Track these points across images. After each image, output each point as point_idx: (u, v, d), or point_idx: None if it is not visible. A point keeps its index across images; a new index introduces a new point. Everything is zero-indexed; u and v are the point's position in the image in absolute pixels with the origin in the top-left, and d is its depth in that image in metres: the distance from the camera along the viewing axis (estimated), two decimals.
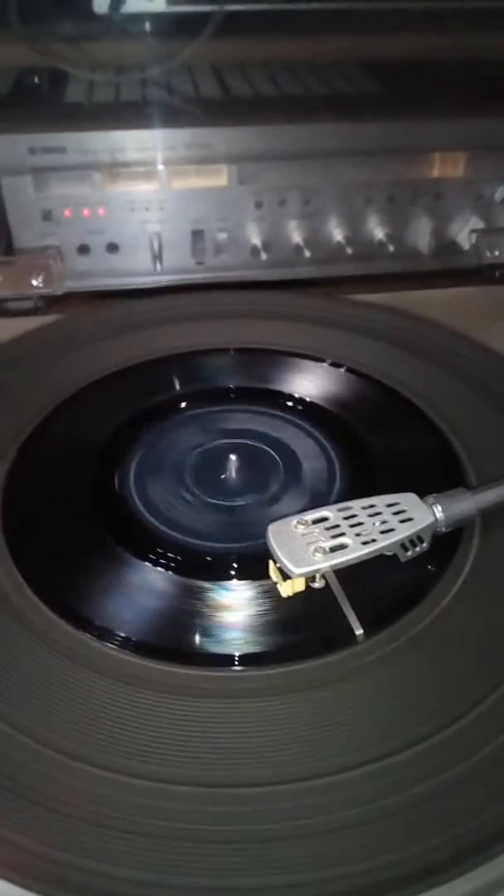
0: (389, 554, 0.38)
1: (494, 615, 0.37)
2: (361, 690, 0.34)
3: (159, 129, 0.62)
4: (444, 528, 0.39)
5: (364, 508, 0.38)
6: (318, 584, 0.37)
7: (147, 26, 0.70)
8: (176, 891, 0.27)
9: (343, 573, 0.37)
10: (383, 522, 0.38)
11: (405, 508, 0.38)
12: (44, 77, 0.70)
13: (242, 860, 0.28)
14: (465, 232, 0.68)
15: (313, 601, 0.37)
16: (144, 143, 0.62)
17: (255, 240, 0.66)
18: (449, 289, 0.66)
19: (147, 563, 0.40)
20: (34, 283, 0.62)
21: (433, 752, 0.31)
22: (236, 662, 0.35)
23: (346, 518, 0.38)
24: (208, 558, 0.40)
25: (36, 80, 0.70)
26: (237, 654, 0.36)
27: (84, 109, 0.67)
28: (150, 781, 0.30)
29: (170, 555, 0.40)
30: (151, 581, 0.39)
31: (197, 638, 0.36)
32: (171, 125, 0.63)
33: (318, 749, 0.31)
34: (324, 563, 0.36)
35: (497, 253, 0.67)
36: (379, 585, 0.38)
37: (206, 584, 0.39)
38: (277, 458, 0.47)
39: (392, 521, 0.38)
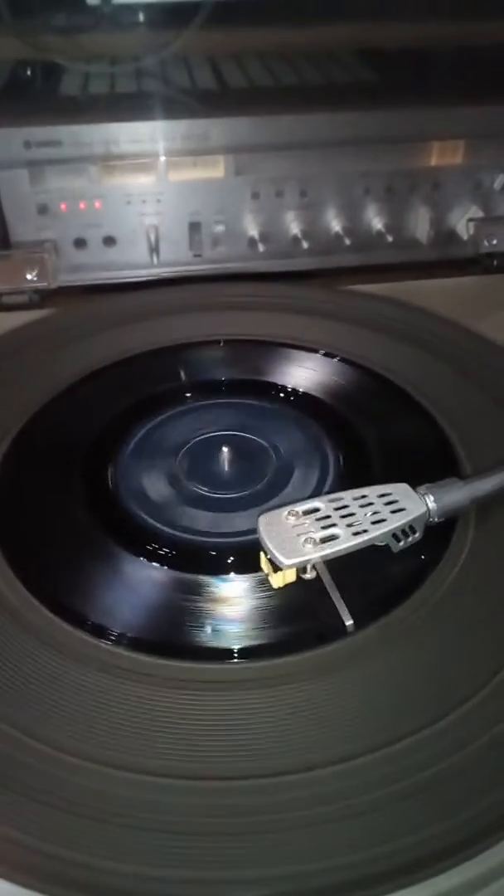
0: (381, 544, 0.37)
1: (489, 606, 0.37)
2: (355, 681, 0.34)
3: (155, 120, 0.62)
4: (436, 519, 0.39)
5: (356, 499, 0.38)
6: (308, 576, 0.37)
7: (140, 16, 0.70)
8: (180, 885, 0.27)
9: (336, 564, 0.36)
10: (375, 513, 0.37)
11: (397, 499, 0.38)
12: (38, 70, 0.70)
13: (243, 852, 0.28)
14: (463, 221, 0.67)
15: (307, 593, 0.37)
16: (140, 135, 0.61)
17: (253, 231, 0.66)
18: (447, 278, 0.65)
19: (141, 558, 0.40)
20: (28, 276, 0.62)
21: (429, 741, 0.31)
22: (231, 656, 0.35)
23: (337, 509, 0.38)
24: (201, 552, 0.40)
25: (30, 73, 0.69)
26: (231, 647, 0.35)
27: (79, 102, 0.67)
28: (148, 776, 0.30)
29: (163, 550, 0.40)
30: (145, 576, 0.39)
31: (189, 632, 0.36)
32: (166, 117, 0.62)
33: (315, 740, 0.31)
34: (314, 554, 0.36)
35: (494, 242, 0.66)
36: (373, 576, 0.38)
37: (199, 578, 0.38)
38: (270, 450, 0.46)
39: (384, 512, 0.37)
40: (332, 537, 0.36)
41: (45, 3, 0.67)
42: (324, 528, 0.37)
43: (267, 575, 0.37)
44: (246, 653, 0.35)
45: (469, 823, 0.28)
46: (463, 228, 0.67)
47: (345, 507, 0.38)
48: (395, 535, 0.37)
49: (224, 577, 0.38)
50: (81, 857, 0.28)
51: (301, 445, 0.47)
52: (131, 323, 0.58)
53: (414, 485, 0.39)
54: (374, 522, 0.37)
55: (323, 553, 0.36)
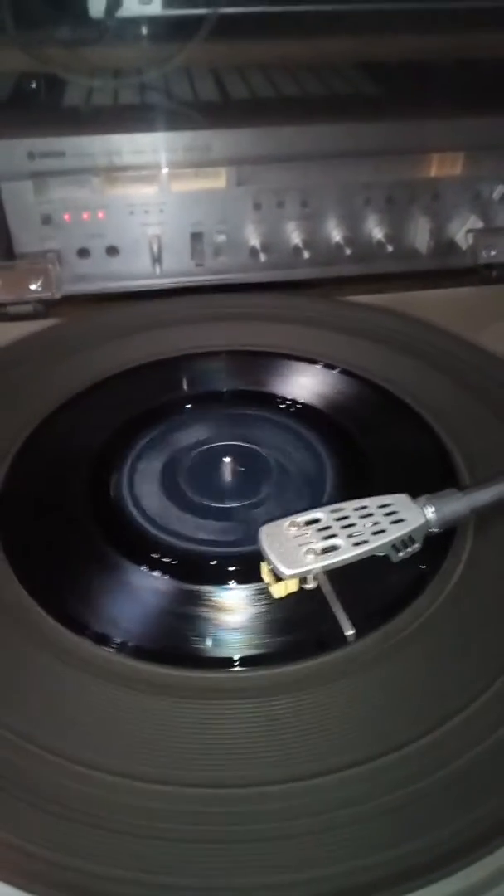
0: (381, 555, 0.38)
1: (487, 614, 0.37)
2: (355, 690, 0.34)
3: (158, 132, 0.62)
4: (436, 529, 0.39)
5: (356, 510, 0.39)
6: (310, 585, 0.37)
7: (143, 30, 0.70)
8: (179, 892, 0.28)
9: (336, 574, 0.37)
10: (375, 524, 0.38)
11: (397, 509, 0.39)
12: (42, 82, 0.70)
13: (238, 860, 0.28)
14: (462, 232, 0.68)
15: (308, 602, 0.37)
16: (143, 146, 0.62)
17: (254, 241, 0.66)
18: (446, 289, 0.66)
19: (143, 567, 0.40)
20: (32, 287, 0.62)
21: (423, 752, 0.31)
22: (231, 665, 0.35)
23: (338, 519, 0.38)
24: (203, 562, 0.41)
25: (34, 84, 0.70)
26: (231, 656, 0.36)
27: (83, 114, 0.67)
28: (148, 783, 0.31)
29: (165, 560, 0.40)
30: (147, 585, 0.39)
31: (190, 641, 0.37)
32: (169, 128, 0.63)
33: (315, 749, 0.32)
34: (315, 565, 0.36)
35: (493, 252, 0.67)
36: (373, 586, 0.38)
37: (200, 588, 0.39)
38: (272, 461, 0.47)
39: (384, 523, 0.38)
40: (333, 548, 0.37)
41: (49, 17, 0.67)
42: (325, 538, 0.37)
43: (268, 585, 0.37)
44: (246, 661, 0.35)
45: (465, 832, 0.29)
46: (462, 239, 0.68)
47: (345, 517, 0.38)
48: (394, 546, 0.38)
49: (225, 586, 0.39)
50: (83, 863, 0.28)
51: (302, 456, 0.47)
52: (133, 334, 0.58)
53: (414, 495, 0.39)
54: (374, 533, 0.37)
55: (324, 563, 0.36)
